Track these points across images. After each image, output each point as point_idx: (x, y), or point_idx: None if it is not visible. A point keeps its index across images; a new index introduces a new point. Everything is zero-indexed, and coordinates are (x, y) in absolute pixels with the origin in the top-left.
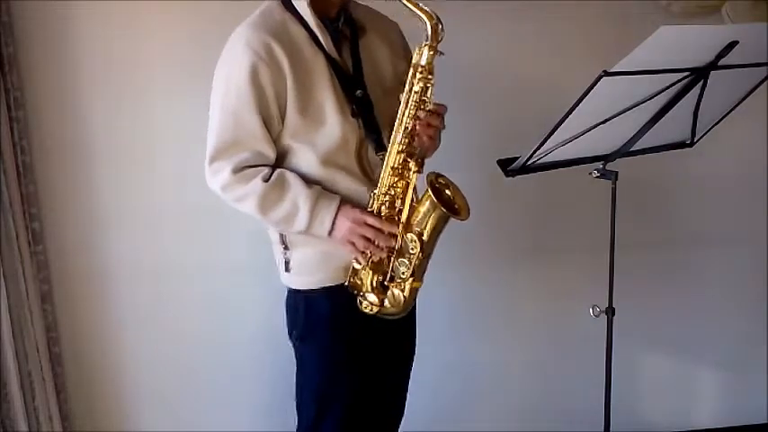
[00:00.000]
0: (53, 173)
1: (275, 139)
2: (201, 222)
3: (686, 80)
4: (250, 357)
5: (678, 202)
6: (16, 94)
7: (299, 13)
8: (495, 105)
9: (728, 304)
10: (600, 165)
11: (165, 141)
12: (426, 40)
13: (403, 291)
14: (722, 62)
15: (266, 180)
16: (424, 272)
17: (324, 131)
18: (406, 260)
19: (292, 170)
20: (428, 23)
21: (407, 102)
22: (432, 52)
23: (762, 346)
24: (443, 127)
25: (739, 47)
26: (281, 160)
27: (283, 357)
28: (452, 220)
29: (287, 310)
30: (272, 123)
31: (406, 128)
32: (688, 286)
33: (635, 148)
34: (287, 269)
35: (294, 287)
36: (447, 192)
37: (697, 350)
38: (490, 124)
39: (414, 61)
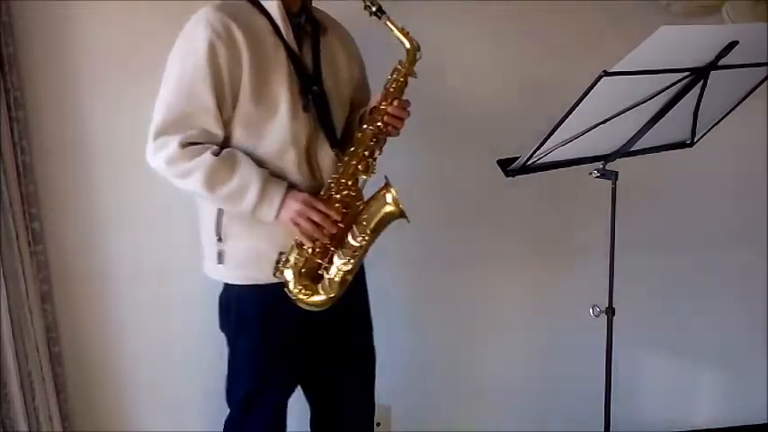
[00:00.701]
0: (53, 173)
1: (225, 122)
2: None
3: (686, 80)
4: None
5: (678, 202)
6: (16, 94)
7: (262, 5)
8: (495, 105)
9: (728, 304)
10: (600, 165)
11: None
12: (405, 63)
13: (335, 282)
14: (722, 62)
15: (216, 155)
16: (357, 265)
17: (274, 124)
18: (349, 251)
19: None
20: (408, 47)
21: (377, 113)
22: (406, 73)
23: (762, 346)
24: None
25: (739, 47)
26: (226, 142)
27: None
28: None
29: (219, 304)
30: (224, 105)
31: (372, 131)
32: (688, 286)
33: (635, 148)
34: (220, 261)
35: (227, 281)
36: (394, 194)
37: (697, 350)
38: (490, 124)
39: (392, 77)
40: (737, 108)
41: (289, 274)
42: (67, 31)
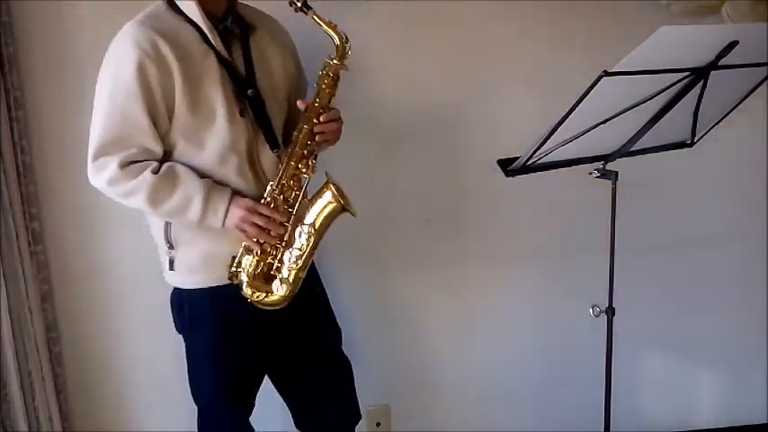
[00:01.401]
0: (53, 173)
1: (162, 137)
2: None
3: (686, 80)
4: None
5: (678, 202)
6: (16, 94)
7: (185, 13)
8: (496, 105)
9: (728, 304)
10: (600, 165)
11: None
12: (335, 57)
13: (288, 280)
14: (722, 62)
15: (155, 172)
16: (308, 263)
17: (213, 131)
18: (298, 250)
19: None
20: (337, 40)
21: (312, 111)
22: (337, 66)
23: (762, 346)
24: (339, 134)
25: (739, 47)
26: (168, 157)
27: None
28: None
29: (171, 308)
30: (159, 121)
31: (309, 130)
32: (688, 286)
33: (635, 148)
34: (171, 268)
35: (178, 286)
36: (338, 189)
37: (697, 350)
38: (490, 124)
39: (322, 72)
40: (737, 108)
41: (243, 277)
42: (67, 31)
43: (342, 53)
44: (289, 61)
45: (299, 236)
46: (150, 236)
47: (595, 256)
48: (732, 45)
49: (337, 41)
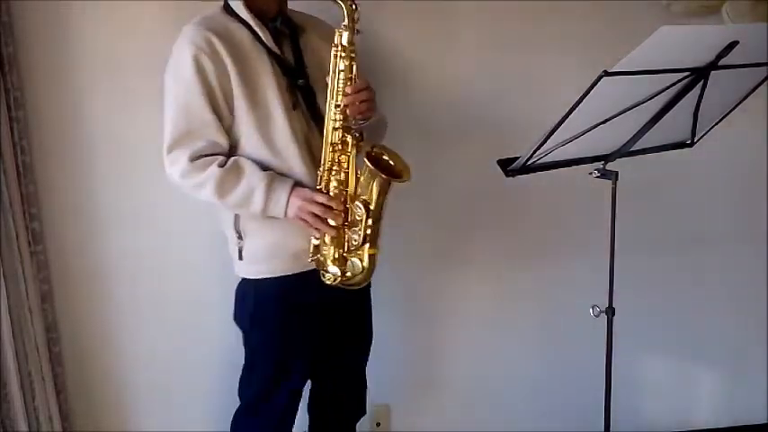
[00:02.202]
0: (53, 173)
1: (227, 130)
2: (201, 222)
3: (686, 80)
4: None
5: (678, 202)
6: (16, 94)
7: (238, 15)
8: (495, 105)
9: (728, 304)
10: (600, 165)
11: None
12: (344, 22)
13: (361, 259)
14: (722, 62)
15: (221, 166)
16: (376, 237)
17: (271, 124)
18: (357, 228)
19: (246, 157)
20: (344, 7)
21: (335, 81)
22: (350, 33)
23: (762, 346)
24: (374, 102)
25: (739, 47)
26: (234, 150)
27: None
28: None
29: (236, 299)
30: (222, 114)
31: (337, 105)
32: (688, 286)
33: (635, 148)
34: (240, 257)
35: (246, 276)
36: (384, 158)
37: (697, 350)
38: (490, 124)
39: (335, 42)
40: (737, 108)
41: (326, 262)
42: (67, 31)
43: (351, 16)
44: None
45: (359, 215)
46: (150, 236)
47: (595, 256)
48: (732, 45)
49: (343, 5)
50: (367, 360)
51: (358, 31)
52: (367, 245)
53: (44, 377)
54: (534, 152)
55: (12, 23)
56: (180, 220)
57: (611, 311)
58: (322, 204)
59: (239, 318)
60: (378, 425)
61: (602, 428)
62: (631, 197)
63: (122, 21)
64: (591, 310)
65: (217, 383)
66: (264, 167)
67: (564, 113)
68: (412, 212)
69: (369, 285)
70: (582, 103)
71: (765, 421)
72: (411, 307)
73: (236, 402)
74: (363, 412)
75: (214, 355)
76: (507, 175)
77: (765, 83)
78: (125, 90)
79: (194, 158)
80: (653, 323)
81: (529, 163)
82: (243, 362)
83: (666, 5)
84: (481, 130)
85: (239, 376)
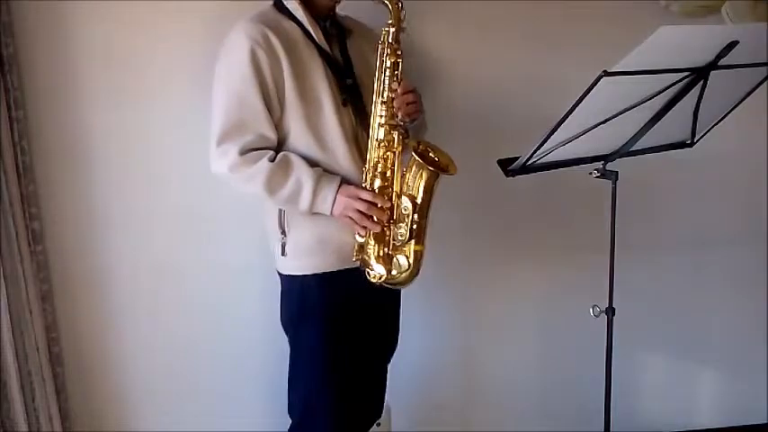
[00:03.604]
0: (53, 173)
1: (277, 125)
2: (201, 222)
3: (686, 80)
4: (250, 357)
5: (678, 203)
6: (16, 94)
7: (291, 13)
8: (495, 105)
9: (728, 304)
10: (600, 165)
11: (165, 141)
12: (390, 20)
13: (407, 256)
14: (722, 62)
15: (271, 161)
16: (423, 234)
17: (321, 120)
18: (403, 224)
19: (295, 154)
20: (390, 7)
21: (381, 76)
22: (396, 30)
23: (762, 345)
24: (421, 104)
25: (739, 47)
26: (282, 145)
27: (282, 356)
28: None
29: (281, 297)
30: (272, 107)
31: (383, 101)
32: (688, 286)
33: (635, 148)
34: (283, 253)
35: (289, 273)
36: (431, 154)
37: (697, 350)
38: (490, 124)
39: (382, 40)
40: (737, 108)
41: (371, 261)
42: (67, 31)
43: (397, 15)
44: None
45: (405, 211)
46: (150, 236)
47: (595, 256)
48: (732, 45)
49: (389, 4)
50: (389, 363)
51: (403, 29)
52: (413, 241)
53: (44, 377)
54: (534, 152)
55: (12, 23)
56: (180, 220)
57: (611, 311)
58: (367, 201)
59: (285, 317)
60: (378, 425)
61: (602, 428)
62: (631, 197)
63: (122, 21)
64: (591, 310)
65: (216, 383)
66: (313, 163)
67: (564, 113)
68: None
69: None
70: (582, 104)
71: (765, 421)
72: (410, 307)
73: (236, 402)
74: (379, 415)
75: (213, 356)
76: (507, 175)
77: (765, 83)
78: (125, 90)
79: (244, 152)
80: (653, 323)
81: (529, 163)
82: (242, 362)
83: (666, 5)
84: (480, 130)
85: (287, 377)
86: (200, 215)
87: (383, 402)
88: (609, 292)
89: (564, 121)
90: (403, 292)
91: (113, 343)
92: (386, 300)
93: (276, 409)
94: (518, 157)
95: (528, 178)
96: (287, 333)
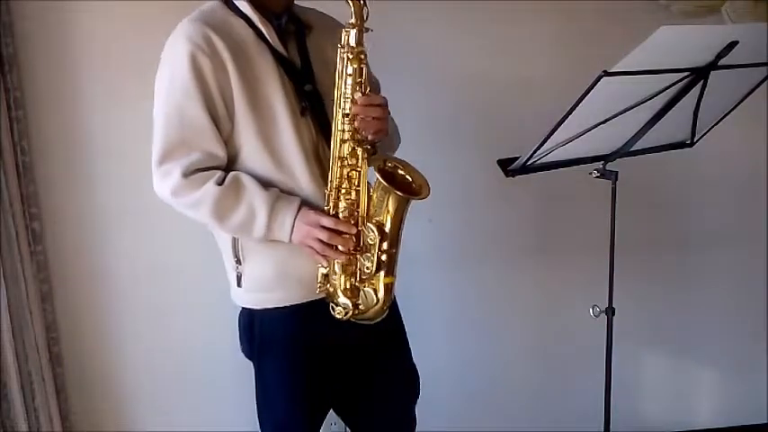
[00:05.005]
0: (53, 173)
1: (225, 140)
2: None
3: (686, 80)
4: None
5: (678, 202)
6: (16, 94)
7: (241, 11)
8: (496, 105)
9: (728, 304)
10: (600, 165)
11: None
12: (351, 19)
13: (375, 290)
14: (722, 62)
15: (219, 184)
16: (393, 264)
17: (276, 132)
18: (370, 254)
19: (247, 173)
20: (351, 4)
21: (342, 84)
22: (359, 31)
23: (762, 345)
24: (387, 112)
25: (739, 47)
26: (233, 163)
27: None
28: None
29: (240, 330)
30: (220, 119)
31: (345, 114)
32: (688, 286)
33: (635, 148)
34: (239, 284)
35: (246, 306)
36: (400, 172)
37: (697, 350)
38: (490, 124)
39: (341, 42)
40: (737, 108)
41: (337, 294)
42: (67, 31)
43: (359, 13)
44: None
45: (372, 238)
46: (150, 236)
47: (595, 255)
48: (732, 45)
49: (350, 2)
50: (416, 401)
51: (367, 30)
52: (382, 273)
53: (44, 377)
54: (534, 152)
55: (12, 23)
56: (180, 220)
57: (611, 311)
58: (329, 229)
59: (246, 349)
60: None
61: (602, 429)
62: (631, 197)
63: (122, 21)
64: (591, 310)
65: (215, 383)
66: (268, 184)
67: (564, 113)
68: (411, 211)
69: (398, 315)
70: (582, 104)
71: (765, 421)
72: (409, 307)
73: (236, 402)
74: None
75: (213, 356)
76: (507, 175)
77: (765, 83)
78: (125, 90)
79: (188, 173)
80: (653, 323)
81: (529, 163)
82: (242, 362)
83: (666, 5)
84: (480, 129)
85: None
86: None
87: (411, 423)
88: (609, 292)
89: (564, 121)
90: (400, 292)
91: (113, 343)
92: (376, 333)
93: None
94: (518, 157)
95: (528, 178)
96: (251, 360)
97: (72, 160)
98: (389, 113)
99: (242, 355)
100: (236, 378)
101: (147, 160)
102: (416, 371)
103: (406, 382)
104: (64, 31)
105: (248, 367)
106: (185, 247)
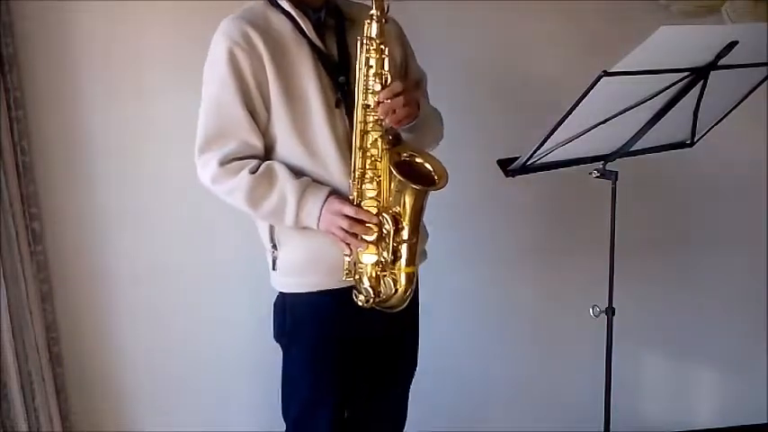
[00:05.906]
0: (53, 173)
1: (263, 131)
2: (202, 222)
3: (686, 80)
4: (249, 357)
5: (678, 203)
6: (16, 94)
7: (281, 6)
8: (496, 105)
9: (728, 304)
10: (600, 165)
11: (165, 141)
12: (372, 11)
13: (395, 279)
14: (722, 62)
15: (253, 172)
16: (414, 254)
17: (310, 121)
18: (386, 243)
19: (281, 162)
20: None
21: (364, 77)
22: (379, 23)
23: (762, 345)
24: (411, 97)
25: (739, 47)
26: (270, 153)
27: (280, 357)
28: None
29: (274, 312)
30: (256, 111)
31: (366, 105)
32: (688, 286)
33: (635, 148)
34: (274, 267)
35: (280, 289)
36: (418, 161)
37: (697, 350)
38: (490, 124)
39: (365, 34)
40: (737, 108)
41: (364, 282)
42: (67, 31)
43: (380, 6)
44: (396, 51)
45: (387, 229)
46: (150, 236)
47: (595, 255)
48: (732, 45)
49: None
50: (409, 384)
51: (386, 20)
52: (402, 262)
53: (44, 377)
54: (534, 152)
55: (12, 23)
56: (179, 220)
57: (611, 311)
58: (349, 218)
59: (277, 334)
60: None
61: (602, 429)
62: (631, 197)
63: (122, 21)
64: (591, 310)
65: (215, 384)
66: (301, 174)
67: (564, 113)
68: None
69: (417, 308)
70: (582, 104)
71: (765, 421)
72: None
73: (235, 402)
74: None
75: (213, 356)
76: (507, 175)
77: (765, 83)
78: (125, 90)
79: (225, 162)
80: (653, 323)
81: (529, 163)
82: (241, 362)
83: (666, 5)
84: (479, 129)
85: (280, 392)
86: (200, 215)
87: (402, 428)
88: (609, 292)
89: (564, 121)
90: None
91: (113, 343)
92: (396, 323)
93: (274, 409)
94: (518, 157)
95: (528, 178)
96: (280, 344)
97: (72, 160)
98: (427, 100)
99: (242, 354)
100: (237, 378)
101: (147, 160)
102: (417, 361)
103: (410, 368)
104: (64, 31)
105: (249, 367)
106: (185, 247)
